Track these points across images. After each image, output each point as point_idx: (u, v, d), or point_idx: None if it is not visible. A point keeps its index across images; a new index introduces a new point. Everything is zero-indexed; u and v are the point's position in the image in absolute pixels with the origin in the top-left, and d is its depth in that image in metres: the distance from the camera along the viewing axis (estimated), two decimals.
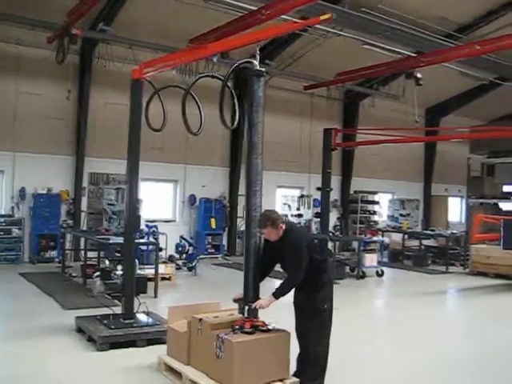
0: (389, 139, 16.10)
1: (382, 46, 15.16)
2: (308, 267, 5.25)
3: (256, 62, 5.61)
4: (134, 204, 7.44)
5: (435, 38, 14.47)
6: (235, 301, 5.57)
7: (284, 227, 5.41)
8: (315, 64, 17.01)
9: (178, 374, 5.74)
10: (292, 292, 5.49)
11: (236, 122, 6.22)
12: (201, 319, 5.62)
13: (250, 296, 5.51)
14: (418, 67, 14.81)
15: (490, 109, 22.49)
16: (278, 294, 5.31)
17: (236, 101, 6.50)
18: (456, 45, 14.61)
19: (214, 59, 6.53)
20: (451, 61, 14.91)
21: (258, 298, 5.48)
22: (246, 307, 5.41)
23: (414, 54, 15.36)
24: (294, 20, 13.13)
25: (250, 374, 5.16)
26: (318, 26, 14.24)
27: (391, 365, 6.68)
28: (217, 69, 14.06)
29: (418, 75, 14.98)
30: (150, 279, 10.60)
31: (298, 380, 5.44)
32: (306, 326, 5.41)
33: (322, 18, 5.70)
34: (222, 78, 6.08)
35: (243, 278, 5.61)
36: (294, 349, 5.49)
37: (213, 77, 6.45)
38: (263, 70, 5.62)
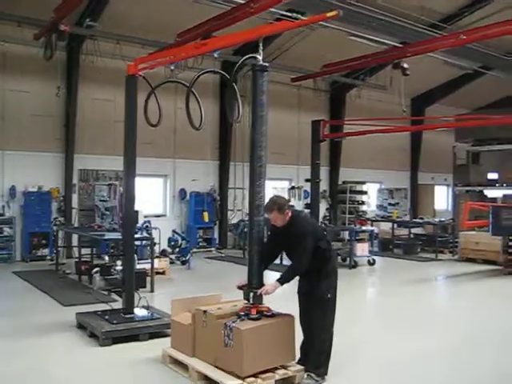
0: (376, 129, 16.26)
1: (368, 36, 15.28)
2: (313, 255, 5.34)
3: (260, 57, 5.67)
4: (131, 199, 7.47)
5: (420, 28, 14.60)
6: (240, 287, 5.64)
7: (290, 214, 5.48)
8: (302, 56, 17.09)
9: (183, 366, 5.82)
10: (296, 280, 5.57)
11: (240, 117, 6.24)
12: (205, 311, 5.70)
13: (254, 282, 5.58)
14: (405, 57, 14.93)
15: (474, 97, 22.75)
16: (283, 280, 5.39)
17: (238, 96, 6.49)
18: (441, 35, 14.76)
19: (215, 54, 6.55)
20: (437, 50, 15.06)
21: (263, 285, 5.55)
22: (251, 293, 5.47)
23: (400, 45, 15.50)
24: (288, 15, 13.34)
25: (258, 360, 5.26)
26: (304, 18, 14.35)
27: (388, 350, 6.80)
28: (200, 62, 14.22)
29: (405, 65, 15.11)
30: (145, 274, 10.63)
31: (302, 367, 5.56)
32: (311, 314, 5.52)
33: (329, 14, 5.71)
34: (225, 74, 6.16)
35: (247, 265, 5.69)
36: (298, 336, 5.59)
37: (215, 72, 6.51)
38: (267, 64, 5.69)
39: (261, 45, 5.75)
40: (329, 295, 5.46)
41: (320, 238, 5.50)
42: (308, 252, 5.32)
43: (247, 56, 5.79)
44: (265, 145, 5.78)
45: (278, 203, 5.47)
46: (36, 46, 13.42)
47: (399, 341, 7.26)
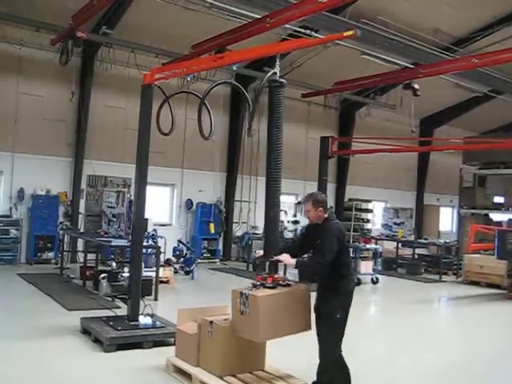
0: (384, 148, 16.34)
1: (381, 56, 15.39)
2: (332, 267, 5.29)
3: (278, 73, 5.75)
4: (142, 207, 7.54)
5: (433, 50, 14.72)
6: (256, 258, 5.71)
7: (325, 215, 5.48)
8: (314, 72, 17.20)
9: (187, 376, 5.83)
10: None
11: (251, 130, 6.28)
12: (211, 321, 5.74)
13: (270, 253, 5.60)
14: (416, 78, 15.03)
15: (482, 121, 22.82)
16: (299, 263, 5.38)
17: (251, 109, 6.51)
18: (453, 57, 14.88)
19: (235, 67, 6.63)
20: (449, 73, 15.15)
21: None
22: (267, 263, 5.53)
23: (412, 66, 15.60)
24: (302, 31, 13.44)
25: (273, 328, 5.28)
26: (317, 35, 14.50)
27: (389, 370, 6.80)
28: (213, 74, 14.34)
29: (416, 86, 15.21)
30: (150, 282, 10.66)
31: (305, 382, 5.56)
32: (318, 330, 5.51)
33: (346, 34, 5.81)
34: (239, 86, 6.25)
35: (264, 235, 5.76)
36: None
37: (230, 84, 6.59)
38: (284, 81, 5.77)
39: (278, 61, 5.79)
40: (338, 315, 5.35)
41: (342, 250, 5.45)
42: (332, 251, 5.23)
43: (270, 73, 5.75)
44: (281, 159, 5.85)
45: (314, 196, 5.56)
46: (52, 51, 13.61)
47: (398, 360, 7.26)
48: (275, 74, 5.76)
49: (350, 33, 5.77)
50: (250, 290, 5.31)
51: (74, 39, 12.34)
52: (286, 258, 5.43)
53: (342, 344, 5.42)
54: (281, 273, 5.66)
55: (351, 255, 4.94)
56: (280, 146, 5.82)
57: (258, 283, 5.40)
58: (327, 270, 5.27)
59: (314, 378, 5.68)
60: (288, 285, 5.48)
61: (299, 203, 17.32)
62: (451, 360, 7.50)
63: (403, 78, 15.83)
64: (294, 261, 5.36)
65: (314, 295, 5.56)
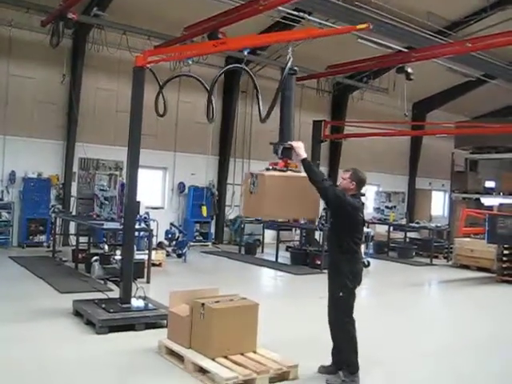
0: (376, 132, 16.39)
1: (375, 40, 15.32)
2: (339, 247, 5.50)
3: (291, 61, 5.70)
4: (134, 190, 7.53)
5: (427, 33, 14.67)
6: (272, 143, 5.76)
7: (354, 191, 5.59)
8: (306, 56, 17.03)
9: (179, 357, 5.88)
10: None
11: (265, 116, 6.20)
12: (203, 304, 5.78)
13: (285, 139, 5.64)
14: (409, 62, 15.01)
15: (475, 105, 22.86)
16: (307, 162, 5.47)
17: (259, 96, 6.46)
18: (446, 41, 14.84)
19: (245, 52, 6.60)
20: (442, 57, 15.13)
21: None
22: (281, 146, 5.58)
23: (405, 49, 15.56)
24: (295, 13, 13.34)
25: (278, 207, 5.43)
26: (311, 17, 14.43)
27: (378, 351, 6.87)
28: (206, 57, 14.23)
29: (409, 70, 15.20)
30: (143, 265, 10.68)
31: (297, 364, 5.62)
32: (331, 314, 5.67)
33: (359, 27, 5.83)
34: (249, 71, 6.28)
35: (280, 123, 5.70)
36: None
37: (241, 69, 6.59)
38: (297, 69, 5.76)
39: (290, 49, 5.71)
40: (340, 294, 5.50)
41: (352, 229, 5.54)
42: (337, 193, 5.40)
43: (288, 60, 5.66)
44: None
45: (356, 171, 5.68)
46: (43, 32, 13.47)
47: (388, 341, 7.34)
48: (290, 59, 5.73)
49: (364, 26, 5.79)
50: (261, 171, 5.49)
51: (64, 21, 12.21)
52: (300, 146, 5.51)
53: (350, 321, 5.54)
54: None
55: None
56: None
57: (271, 167, 5.55)
58: (326, 191, 5.35)
59: (305, 360, 5.76)
60: (299, 172, 5.59)
61: None
62: (440, 341, 7.60)
63: (396, 62, 15.81)
64: (304, 154, 5.46)
65: None
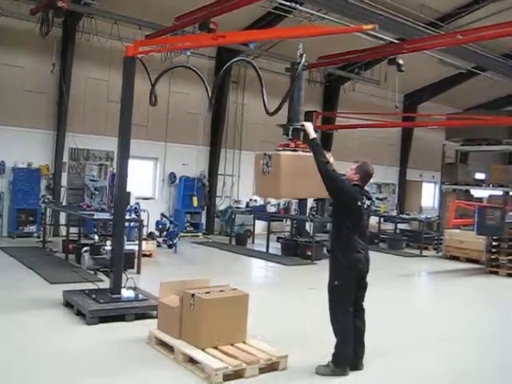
0: (367, 124, 16.40)
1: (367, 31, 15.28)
2: (337, 235, 5.63)
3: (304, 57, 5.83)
4: (124, 180, 7.51)
5: (418, 25, 14.66)
6: (280, 125, 5.89)
7: (356, 182, 5.67)
8: (298, 46, 17.07)
9: (169, 348, 5.89)
10: None
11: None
12: (193, 294, 5.78)
13: (294, 120, 5.79)
14: (401, 54, 15.00)
15: (466, 97, 22.94)
16: (315, 142, 5.56)
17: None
18: (438, 33, 14.84)
19: (252, 46, 6.63)
20: (433, 49, 15.12)
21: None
22: (291, 127, 5.73)
23: (397, 41, 15.55)
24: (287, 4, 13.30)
25: (293, 186, 5.56)
26: (302, 8, 14.38)
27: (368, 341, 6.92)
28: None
29: (400, 61, 15.20)
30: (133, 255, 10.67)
31: (286, 354, 5.65)
32: (328, 303, 5.69)
33: (365, 27, 5.91)
34: (255, 65, 6.32)
35: (289, 105, 5.85)
36: None
37: (248, 62, 6.60)
38: (306, 64, 5.89)
39: (301, 46, 5.81)
40: (335, 283, 5.55)
41: (349, 217, 5.57)
42: (336, 177, 5.50)
43: (299, 54, 5.80)
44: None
45: (363, 164, 5.78)
46: (32, 21, 13.33)
47: (377, 331, 7.38)
48: (301, 55, 5.85)
49: (370, 26, 5.86)
50: (271, 152, 5.61)
51: (54, 9, 12.05)
52: (310, 126, 5.68)
53: (345, 312, 5.55)
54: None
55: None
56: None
57: (281, 148, 5.70)
58: (326, 172, 5.45)
59: (295, 350, 5.79)
60: (309, 151, 5.69)
61: None
62: (428, 331, 7.67)
63: (388, 53, 15.78)
64: (314, 134, 5.59)
65: None
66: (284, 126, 5.87)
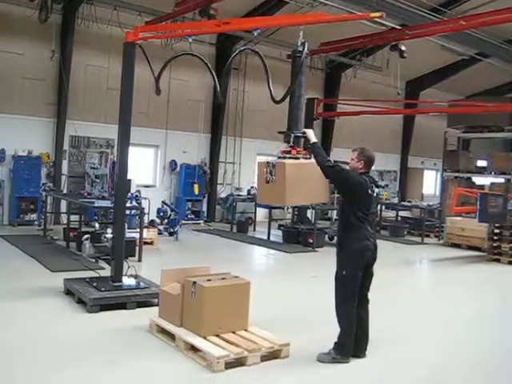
0: (369, 110, 16.31)
1: None
2: (343, 224, 5.61)
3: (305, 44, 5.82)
4: (125, 167, 7.47)
5: (420, 11, 14.52)
6: (281, 132, 5.95)
7: (362, 170, 5.64)
8: (299, 32, 16.94)
9: (170, 336, 5.88)
10: None
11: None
12: (195, 282, 5.76)
13: (294, 127, 5.84)
14: (403, 40, 14.89)
15: (468, 84, 22.80)
16: (316, 146, 5.61)
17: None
18: (440, 19, 14.71)
19: (255, 33, 6.52)
20: (436, 35, 15.01)
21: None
22: (292, 135, 5.76)
23: (399, 27, 15.42)
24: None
25: (298, 193, 5.66)
26: None
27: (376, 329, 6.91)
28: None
29: (403, 48, 15.10)
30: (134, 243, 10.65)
31: (288, 342, 5.64)
32: (334, 292, 5.65)
33: (373, 15, 5.84)
34: (259, 53, 6.36)
35: (288, 110, 5.95)
36: None
37: (252, 51, 6.58)
38: (308, 52, 5.89)
39: (302, 32, 5.78)
40: (343, 272, 5.51)
41: (358, 205, 5.53)
42: (341, 172, 5.51)
43: (300, 42, 5.79)
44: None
45: (363, 150, 5.72)
46: (31, 7, 13.22)
47: (376, 320, 7.37)
48: (303, 43, 5.84)
49: (377, 14, 5.79)
50: (277, 160, 5.68)
51: None
52: (310, 132, 5.72)
53: (350, 302, 5.52)
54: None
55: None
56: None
57: (282, 156, 5.72)
58: (328, 170, 5.47)
59: (297, 338, 5.78)
60: (310, 158, 5.76)
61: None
62: (432, 318, 7.67)
63: (390, 40, 15.67)
64: (314, 139, 5.65)
65: None
66: (284, 133, 5.88)
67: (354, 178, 5.55)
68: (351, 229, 5.55)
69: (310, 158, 5.75)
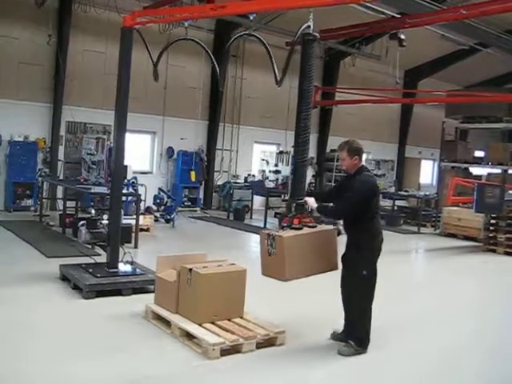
0: (367, 99, 16.26)
1: (368, 5, 15.04)
2: (357, 217, 5.39)
3: (311, 27, 5.66)
4: (121, 153, 7.43)
5: None
6: (284, 200, 5.88)
7: (359, 164, 5.52)
8: (298, 20, 16.74)
9: (166, 322, 5.88)
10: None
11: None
12: (191, 269, 5.75)
13: (297, 195, 5.68)
14: (402, 28, 14.80)
15: (467, 74, 22.70)
16: (321, 208, 5.54)
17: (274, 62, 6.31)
18: (440, 8, 14.61)
19: (251, 17, 6.44)
20: (436, 24, 14.92)
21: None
22: (294, 204, 5.59)
23: (399, 15, 15.33)
24: None
25: (299, 267, 5.42)
26: None
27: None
28: (196, 20, 14.01)
29: (402, 36, 15.01)
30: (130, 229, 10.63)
31: (284, 330, 5.64)
32: (349, 288, 5.59)
33: None
34: (260, 37, 6.38)
35: (291, 180, 5.97)
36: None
37: (250, 35, 6.52)
38: (317, 35, 5.75)
39: (311, 14, 5.64)
40: (364, 272, 5.43)
41: (370, 205, 5.41)
42: (352, 203, 5.34)
43: (305, 25, 5.68)
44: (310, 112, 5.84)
45: (350, 144, 5.56)
46: None
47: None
48: (309, 27, 5.65)
49: None
50: (276, 231, 5.43)
51: None
52: (311, 201, 5.54)
53: (372, 299, 5.54)
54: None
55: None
56: (310, 100, 5.84)
57: (285, 225, 5.53)
58: (347, 214, 5.42)
59: (292, 326, 5.78)
60: (315, 226, 5.57)
61: (281, 153, 17.25)
62: (423, 306, 7.70)
63: (389, 28, 15.58)
64: (315, 205, 5.50)
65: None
66: (287, 201, 5.79)
67: (366, 192, 5.40)
68: (367, 228, 5.45)
69: (315, 227, 5.56)
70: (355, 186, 5.41)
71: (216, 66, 7.00)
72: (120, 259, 7.59)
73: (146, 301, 6.44)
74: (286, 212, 5.77)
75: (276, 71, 6.06)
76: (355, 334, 5.54)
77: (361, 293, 5.51)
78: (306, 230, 5.50)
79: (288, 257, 5.29)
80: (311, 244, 5.48)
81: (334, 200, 5.70)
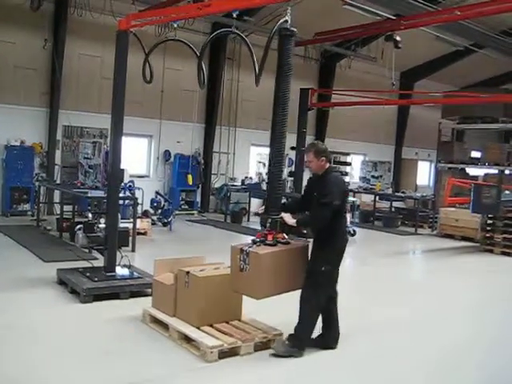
0: (364, 101, 16.29)
1: (363, 6, 15.12)
2: (333, 215, 5.28)
3: (289, 21, 5.51)
4: (117, 157, 7.43)
5: (415, 0, 14.45)
6: (257, 214, 5.79)
7: (327, 165, 5.48)
8: (294, 22, 16.77)
9: (164, 326, 5.87)
10: None
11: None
12: (188, 272, 5.75)
13: (272, 210, 5.52)
14: (398, 30, 14.82)
15: (463, 75, 22.75)
16: (301, 222, 5.53)
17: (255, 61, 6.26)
18: (435, 9, 14.65)
19: (234, 14, 6.40)
20: (431, 25, 14.96)
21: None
22: (269, 219, 5.44)
23: (394, 17, 15.37)
24: None
25: (273, 285, 5.28)
26: None
27: (361, 319, 6.92)
28: (191, 23, 14.11)
29: (398, 38, 15.01)
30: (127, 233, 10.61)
31: (281, 332, 5.64)
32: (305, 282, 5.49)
33: None
34: (241, 35, 6.38)
35: (267, 192, 5.76)
36: None
37: (232, 33, 6.44)
38: (295, 30, 5.55)
39: (289, 8, 5.52)
40: (322, 268, 5.37)
41: (343, 201, 5.44)
42: (331, 208, 5.23)
43: (282, 20, 5.50)
44: (287, 114, 5.61)
45: (316, 146, 5.55)
46: None
47: (369, 310, 7.39)
48: (286, 22, 5.52)
49: None
50: (250, 246, 5.24)
51: None
52: (287, 217, 5.41)
53: (324, 297, 5.48)
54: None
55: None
56: (287, 100, 5.57)
57: (258, 240, 5.34)
58: (325, 221, 5.26)
59: (290, 328, 5.76)
60: (288, 242, 5.46)
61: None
62: (421, 307, 7.70)
63: (385, 30, 15.60)
64: (294, 221, 5.37)
65: None
66: (260, 215, 5.64)
67: (340, 193, 5.38)
68: (335, 225, 5.38)
69: (288, 243, 5.43)
70: (328, 189, 5.32)
71: (203, 66, 6.98)
72: (117, 263, 7.58)
73: (143, 304, 6.44)
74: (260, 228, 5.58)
75: (256, 70, 6.00)
76: (297, 334, 5.44)
77: (313, 290, 5.37)
78: (280, 247, 5.35)
79: (264, 274, 5.16)
80: (285, 261, 5.33)
81: (307, 204, 5.66)
